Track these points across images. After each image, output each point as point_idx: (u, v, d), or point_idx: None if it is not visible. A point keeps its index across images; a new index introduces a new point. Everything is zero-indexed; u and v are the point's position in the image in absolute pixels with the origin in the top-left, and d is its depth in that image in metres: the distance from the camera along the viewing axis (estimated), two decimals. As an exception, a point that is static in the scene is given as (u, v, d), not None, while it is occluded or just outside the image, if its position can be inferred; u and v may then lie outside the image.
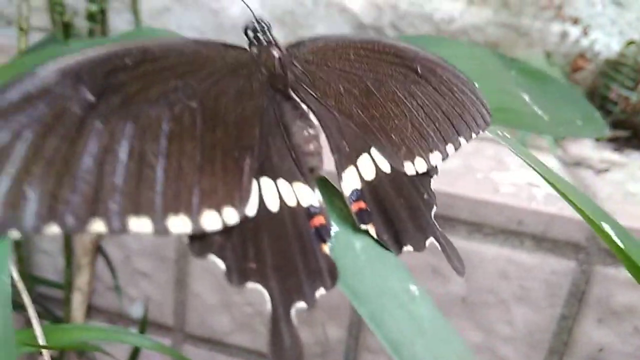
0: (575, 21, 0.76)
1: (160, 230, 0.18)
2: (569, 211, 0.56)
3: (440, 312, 0.19)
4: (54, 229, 0.16)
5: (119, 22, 0.87)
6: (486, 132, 0.26)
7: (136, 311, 0.72)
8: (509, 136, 0.27)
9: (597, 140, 0.76)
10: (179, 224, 0.18)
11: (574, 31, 0.77)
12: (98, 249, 0.68)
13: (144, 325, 0.66)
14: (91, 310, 0.73)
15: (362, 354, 0.65)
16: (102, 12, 0.52)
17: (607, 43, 0.78)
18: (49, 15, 0.55)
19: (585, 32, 0.77)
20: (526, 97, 0.32)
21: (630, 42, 0.76)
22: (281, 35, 0.87)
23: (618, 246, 0.24)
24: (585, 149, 0.72)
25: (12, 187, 0.16)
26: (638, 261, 0.23)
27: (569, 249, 0.56)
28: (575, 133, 0.33)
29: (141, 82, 0.20)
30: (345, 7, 0.82)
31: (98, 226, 0.17)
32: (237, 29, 0.89)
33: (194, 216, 0.19)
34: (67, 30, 0.53)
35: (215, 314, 0.68)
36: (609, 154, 0.72)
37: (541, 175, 0.24)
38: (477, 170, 0.62)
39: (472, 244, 0.57)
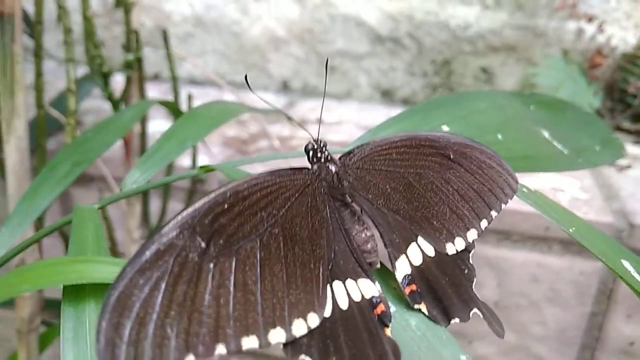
0: (590, 18, 0.77)
1: (264, 344, 0.21)
2: (593, 215, 0.58)
3: None
4: (190, 359, 0.20)
5: (147, 51, 0.90)
6: (519, 197, 0.29)
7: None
8: (532, 189, 0.29)
9: (618, 130, 0.78)
10: (277, 336, 0.22)
11: (590, 28, 0.78)
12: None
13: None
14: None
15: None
16: (139, 60, 0.55)
17: (623, 37, 0.79)
18: (87, 63, 0.59)
19: (600, 29, 0.78)
20: (546, 134, 0.35)
21: (647, 35, 0.77)
22: (302, 52, 0.89)
23: (635, 284, 0.26)
24: (607, 145, 0.73)
25: (157, 330, 0.20)
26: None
27: (595, 251, 0.58)
28: (593, 162, 0.35)
29: (237, 221, 0.23)
30: (362, 21, 0.84)
31: (220, 350, 0.21)
32: (258, 49, 0.92)
33: (287, 327, 0.22)
34: (106, 78, 0.56)
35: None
36: (630, 148, 0.73)
37: (558, 224, 0.27)
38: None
39: (501, 250, 0.60)
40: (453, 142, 0.28)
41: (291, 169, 0.27)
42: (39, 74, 0.46)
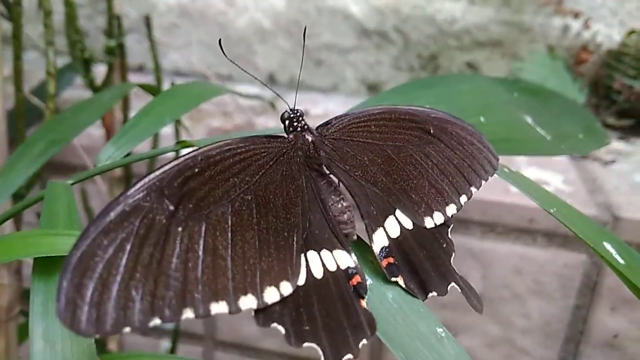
0: (576, 15, 0.77)
1: (234, 310, 0.21)
2: (577, 207, 0.59)
3: (463, 349, 0.22)
4: (156, 322, 0.20)
5: (132, 41, 0.89)
6: (499, 175, 0.29)
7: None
8: (514, 170, 0.29)
9: (603, 126, 0.78)
10: (248, 302, 0.21)
11: (575, 25, 0.79)
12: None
13: (176, 335, 0.69)
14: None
15: (386, 352, 0.68)
16: (121, 46, 0.54)
17: (608, 34, 0.79)
18: (69, 52, 0.58)
19: (586, 25, 0.78)
20: (529, 120, 0.35)
21: (632, 32, 0.77)
22: (288, 45, 0.89)
23: (618, 265, 0.26)
24: (592, 140, 0.74)
25: (121, 291, 0.19)
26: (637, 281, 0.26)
27: (579, 243, 0.58)
28: (577, 149, 0.35)
29: (208, 186, 0.23)
30: (349, 14, 0.84)
31: (187, 315, 0.20)
32: (244, 40, 0.91)
33: (258, 294, 0.22)
34: (87, 65, 0.55)
35: (244, 320, 0.71)
36: (615, 144, 0.73)
37: (539, 204, 0.27)
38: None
39: (486, 243, 0.60)
40: (433, 117, 0.28)
41: (266, 136, 0.26)
42: (17, 57, 0.45)
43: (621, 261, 0.27)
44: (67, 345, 0.20)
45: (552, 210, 0.28)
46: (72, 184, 0.27)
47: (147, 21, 0.58)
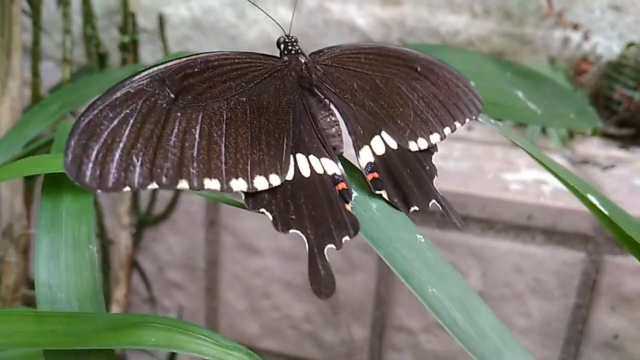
0: (576, 27, 0.80)
1: (226, 189, 0.24)
2: (576, 204, 0.59)
3: (439, 252, 0.23)
4: (153, 186, 0.22)
5: (145, 53, 0.92)
6: (481, 120, 0.30)
7: (171, 321, 0.75)
8: (500, 124, 0.31)
9: (604, 136, 0.79)
10: (238, 184, 0.24)
11: (575, 36, 0.81)
12: (133, 263, 0.72)
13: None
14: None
15: (387, 352, 0.68)
16: (134, 42, 0.57)
17: (608, 46, 0.81)
18: (84, 48, 0.60)
19: (586, 37, 0.80)
20: (520, 94, 0.36)
21: (630, 44, 0.79)
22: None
23: (602, 212, 0.27)
24: (592, 147, 0.75)
25: (123, 156, 0.22)
26: (620, 224, 0.27)
27: (577, 240, 0.59)
28: (569, 124, 0.37)
29: (206, 84, 0.25)
30: (355, 26, 0.87)
31: (183, 185, 0.23)
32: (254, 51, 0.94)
33: (249, 179, 0.24)
34: (102, 61, 0.58)
35: (245, 319, 0.72)
36: (615, 152, 0.75)
37: (525, 150, 0.28)
38: (488, 171, 0.65)
39: (485, 240, 0.61)
40: (421, 58, 0.30)
41: (263, 54, 0.28)
42: (36, 43, 0.48)
43: (605, 212, 0.28)
44: (69, 255, 0.22)
45: (538, 158, 0.29)
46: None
47: (160, 20, 0.61)
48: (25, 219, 0.51)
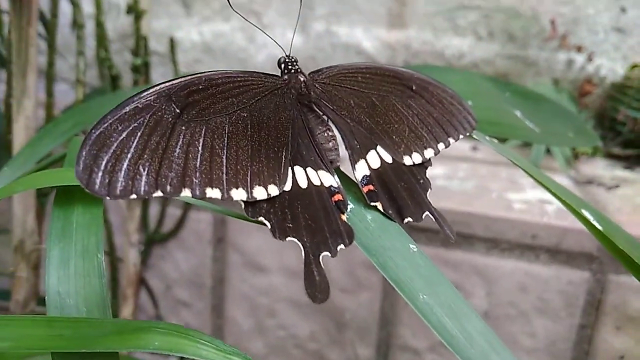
0: (580, 49, 0.81)
1: (226, 198, 0.25)
2: (580, 223, 0.60)
3: (430, 260, 0.24)
4: (158, 194, 0.24)
5: (156, 75, 0.95)
6: (476, 137, 0.31)
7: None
8: (496, 141, 0.32)
9: (609, 156, 0.80)
10: (238, 194, 0.25)
11: (579, 58, 0.82)
12: (141, 280, 0.73)
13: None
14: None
15: (392, 371, 0.68)
16: (146, 64, 0.59)
17: (611, 67, 0.82)
18: (97, 70, 0.62)
19: (589, 59, 0.81)
20: (518, 113, 0.37)
21: (635, 66, 0.80)
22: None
23: (596, 228, 0.28)
24: (597, 168, 0.75)
25: (131, 166, 0.23)
26: (613, 239, 0.27)
27: (582, 259, 0.59)
28: (567, 143, 0.37)
29: (209, 100, 0.27)
30: (361, 49, 0.88)
31: (186, 193, 0.24)
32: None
33: (248, 189, 0.26)
34: (115, 82, 0.60)
35: (250, 338, 0.72)
36: (620, 172, 0.75)
37: (519, 165, 0.29)
38: (492, 190, 0.66)
39: (490, 259, 0.61)
40: (416, 77, 0.31)
41: (264, 73, 0.29)
42: (51, 64, 0.49)
43: (600, 227, 0.29)
44: (79, 262, 0.23)
45: (531, 173, 0.30)
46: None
47: (171, 43, 0.63)
48: (37, 235, 0.52)
